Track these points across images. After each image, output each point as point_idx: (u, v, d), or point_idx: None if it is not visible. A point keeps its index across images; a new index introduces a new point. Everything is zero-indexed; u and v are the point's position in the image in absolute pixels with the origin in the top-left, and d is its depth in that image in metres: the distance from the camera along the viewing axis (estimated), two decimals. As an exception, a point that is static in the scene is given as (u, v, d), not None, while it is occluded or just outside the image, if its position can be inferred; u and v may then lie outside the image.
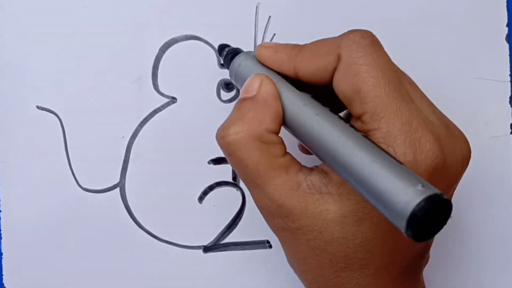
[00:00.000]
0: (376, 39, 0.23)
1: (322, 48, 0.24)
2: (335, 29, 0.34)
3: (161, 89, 0.34)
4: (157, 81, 0.34)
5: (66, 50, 0.34)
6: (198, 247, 0.34)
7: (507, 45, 0.34)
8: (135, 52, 0.34)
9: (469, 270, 0.34)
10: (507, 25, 0.34)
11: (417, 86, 0.25)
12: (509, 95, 0.34)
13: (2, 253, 0.34)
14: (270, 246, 0.34)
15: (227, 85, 0.34)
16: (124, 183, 0.34)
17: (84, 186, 0.34)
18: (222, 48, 0.30)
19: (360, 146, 0.21)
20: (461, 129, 0.34)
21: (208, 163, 0.34)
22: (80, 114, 0.34)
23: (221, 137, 0.24)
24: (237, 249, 0.34)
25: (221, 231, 0.34)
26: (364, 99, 0.22)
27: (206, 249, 0.34)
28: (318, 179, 0.23)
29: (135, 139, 0.34)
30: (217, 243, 0.34)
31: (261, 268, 0.34)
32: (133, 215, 0.34)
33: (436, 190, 0.18)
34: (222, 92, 0.34)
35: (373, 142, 0.21)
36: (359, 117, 0.23)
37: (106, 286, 0.34)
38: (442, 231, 0.34)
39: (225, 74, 0.34)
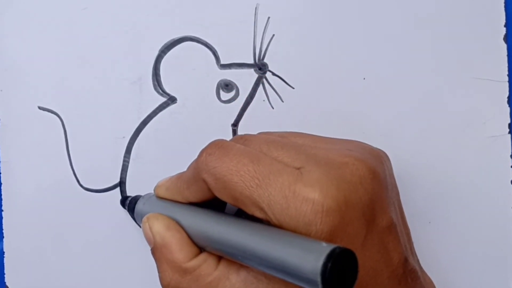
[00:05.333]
0: (223, 144, 0.25)
1: (190, 176, 0.26)
2: (334, 30, 0.34)
3: (161, 90, 0.34)
4: (157, 82, 0.34)
5: (67, 51, 0.34)
6: (198, 246, 0.34)
7: (505, 45, 0.34)
8: (135, 53, 0.34)
9: (467, 269, 0.34)
10: (505, 25, 0.34)
11: (286, 142, 0.26)
12: (507, 95, 0.34)
13: (4, 252, 0.34)
14: (270, 245, 0.34)
15: (227, 86, 0.34)
16: (125, 182, 0.34)
17: (85, 186, 0.34)
18: (123, 200, 0.33)
19: (255, 234, 0.23)
20: (459, 129, 0.34)
21: (207, 163, 0.34)
22: (81, 114, 0.34)
23: None
24: (237, 248, 0.34)
25: (221, 230, 0.34)
26: (243, 202, 0.24)
27: (206, 248, 0.34)
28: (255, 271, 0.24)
29: (135, 139, 0.34)
30: (217, 242, 0.34)
31: (261, 267, 0.34)
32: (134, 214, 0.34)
33: (331, 246, 0.20)
34: (222, 93, 0.34)
35: (270, 226, 0.23)
36: (254, 216, 0.24)
37: (107, 285, 0.34)
38: (439, 230, 0.34)
39: (224, 74, 0.34)
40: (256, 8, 0.34)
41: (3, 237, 0.34)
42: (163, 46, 0.34)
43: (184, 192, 0.27)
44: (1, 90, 0.34)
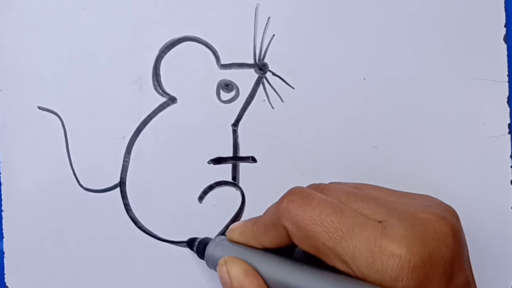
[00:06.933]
0: (304, 193, 0.25)
1: (270, 221, 0.26)
2: (334, 30, 0.34)
3: (161, 90, 0.34)
4: (157, 82, 0.34)
5: (67, 51, 0.34)
6: (198, 246, 0.34)
7: (505, 46, 0.34)
8: (135, 53, 0.34)
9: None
10: (505, 26, 0.34)
11: (364, 194, 0.26)
12: (507, 95, 0.34)
13: (4, 252, 0.34)
14: (270, 245, 0.34)
15: (227, 86, 0.34)
16: (125, 182, 0.34)
17: (85, 186, 0.34)
18: (191, 242, 0.33)
19: (341, 286, 0.23)
20: (459, 129, 0.34)
21: (208, 163, 0.34)
22: (81, 114, 0.34)
23: None
24: (237, 248, 0.34)
25: (221, 231, 0.34)
26: (325, 254, 0.23)
27: (206, 248, 0.34)
28: None
29: (135, 139, 0.34)
30: (217, 242, 0.34)
31: (261, 267, 0.34)
32: (134, 214, 0.34)
33: None
34: (222, 93, 0.34)
35: (357, 278, 0.23)
36: (335, 268, 0.24)
37: (106, 285, 0.34)
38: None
39: (225, 74, 0.34)
40: (256, 8, 0.34)
41: (3, 237, 0.34)
42: (163, 46, 0.34)
43: (260, 237, 0.27)
44: (1, 90, 0.34)
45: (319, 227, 0.23)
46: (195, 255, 0.33)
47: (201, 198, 0.34)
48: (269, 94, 0.34)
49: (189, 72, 0.34)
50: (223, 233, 0.34)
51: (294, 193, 0.25)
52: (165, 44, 0.34)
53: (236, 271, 0.26)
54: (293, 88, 0.34)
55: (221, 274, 0.27)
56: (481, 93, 0.34)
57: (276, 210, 0.25)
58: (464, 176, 0.34)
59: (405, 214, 0.24)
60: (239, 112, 0.34)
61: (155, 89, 0.34)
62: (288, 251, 0.27)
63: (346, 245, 0.23)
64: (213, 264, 0.29)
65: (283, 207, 0.25)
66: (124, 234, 0.34)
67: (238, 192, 0.34)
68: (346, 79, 0.34)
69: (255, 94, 0.34)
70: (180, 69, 0.34)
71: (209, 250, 0.30)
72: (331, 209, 0.24)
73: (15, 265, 0.34)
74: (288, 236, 0.25)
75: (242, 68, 0.34)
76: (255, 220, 0.28)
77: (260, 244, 0.27)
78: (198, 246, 0.31)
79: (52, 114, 0.34)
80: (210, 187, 0.34)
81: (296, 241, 0.25)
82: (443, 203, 0.27)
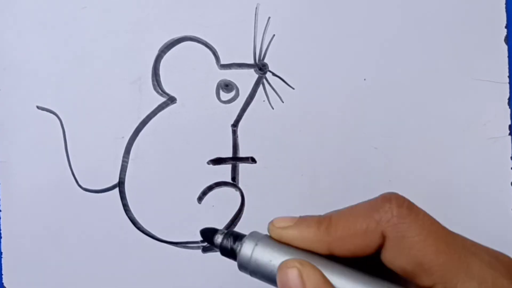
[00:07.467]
0: (410, 202, 0.22)
1: (358, 225, 0.22)
2: (334, 31, 0.34)
3: (161, 90, 0.34)
4: (156, 82, 0.34)
5: (66, 51, 0.34)
6: (197, 247, 0.34)
7: (505, 47, 0.34)
8: (135, 52, 0.34)
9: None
10: (505, 27, 0.34)
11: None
12: (507, 96, 0.34)
13: (2, 253, 0.34)
14: (269, 246, 0.34)
15: (227, 86, 0.34)
16: (124, 183, 0.34)
17: (84, 186, 0.34)
18: (212, 233, 0.24)
19: None
20: (460, 130, 0.34)
21: (207, 163, 0.34)
22: (80, 114, 0.34)
23: None
24: (236, 249, 0.34)
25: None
26: (430, 270, 0.21)
27: (205, 249, 0.34)
28: None
29: (135, 139, 0.34)
30: (216, 243, 0.34)
31: (260, 268, 0.34)
32: (133, 215, 0.34)
33: None
34: (222, 93, 0.34)
35: None
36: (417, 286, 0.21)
37: (105, 285, 0.34)
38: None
39: (224, 74, 0.34)
40: (256, 8, 0.34)
41: (1, 237, 0.34)
42: (163, 46, 0.34)
43: (334, 241, 0.22)
44: (0, 90, 0.34)
45: (431, 240, 0.21)
46: (194, 255, 0.33)
47: (200, 198, 0.34)
48: (269, 95, 0.34)
49: (189, 72, 0.34)
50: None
51: (399, 198, 0.22)
52: (165, 44, 0.34)
53: (316, 279, 0.22)
54: (293, 88, 0.34)
55: (289, 278, 0.22)
56: (482, 94, 0.34)
57: (373, 213, 0.22)
58: (464, 177, 0.34)
59: (493, 254, 0.22)
60: (239, 113, 0.34)
61: (155, 89, 0.34)
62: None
63: (460, 264, 0.21)
64: (251, 266, 0.23)
65: (387, 211, 0.21)
66: (122, 234, 0.34)
67: (238, 193, 0.34)
68: (346, 79, 0.34)
69: (255, 95, 0.34)
70: (180, 69, 0.34)
71: (247, 249, 0.23)
72: (438, 225, 0.21)
73: (13, 266, 0.34)
74: (377, 245, 0.22)
75: (242, 68, 0.34)
76: (321, 220, 0.23)
77: (328, 250, 0.23)
78: (225, 241, 0.24)
79: (51, 114, 0.34)
80: (210, 188, 0.34)
81: (390, 253, 0.21)
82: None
